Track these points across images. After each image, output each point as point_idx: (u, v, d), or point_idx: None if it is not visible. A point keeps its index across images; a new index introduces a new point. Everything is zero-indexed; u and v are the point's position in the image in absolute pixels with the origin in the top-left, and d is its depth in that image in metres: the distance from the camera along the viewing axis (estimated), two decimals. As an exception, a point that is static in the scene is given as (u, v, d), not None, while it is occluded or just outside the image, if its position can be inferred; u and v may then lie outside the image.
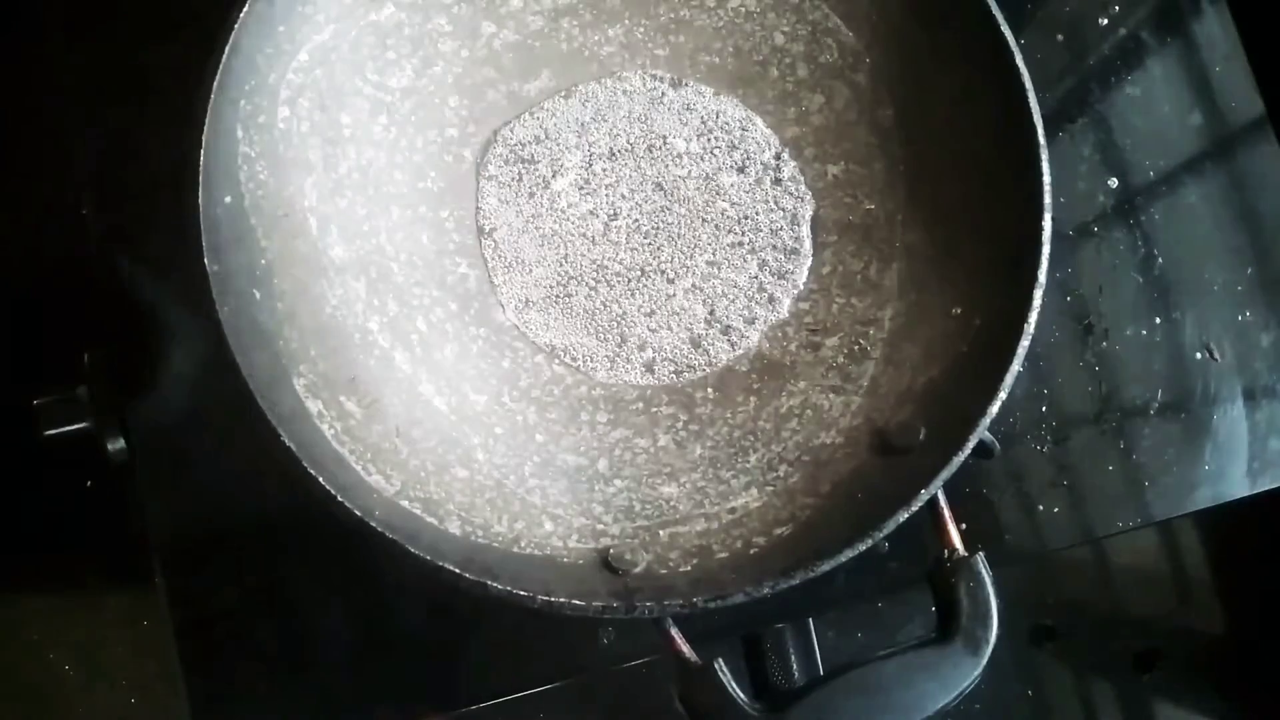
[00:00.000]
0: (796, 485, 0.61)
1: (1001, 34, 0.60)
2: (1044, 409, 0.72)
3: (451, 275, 0.67)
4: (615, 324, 0.66)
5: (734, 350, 0.66)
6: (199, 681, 0.65)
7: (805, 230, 0.68)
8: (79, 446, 0.66)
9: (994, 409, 0.54)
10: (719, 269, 0.67)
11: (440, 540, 0.55)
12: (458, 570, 0.51)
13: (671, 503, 0.62)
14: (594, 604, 0.52)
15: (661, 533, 0.60)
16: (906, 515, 0.53)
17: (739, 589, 0.53)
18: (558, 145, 0.68)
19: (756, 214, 0.68)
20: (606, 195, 0.68)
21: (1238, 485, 0.73)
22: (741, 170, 0.69)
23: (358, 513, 0.51)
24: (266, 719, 0.66)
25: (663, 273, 0.67)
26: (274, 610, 0.67)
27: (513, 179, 0.67)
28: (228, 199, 0.56)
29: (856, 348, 0.66)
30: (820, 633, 0.68)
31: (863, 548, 0.53)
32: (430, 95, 0.67)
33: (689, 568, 0.58)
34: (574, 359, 0.66)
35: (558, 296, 0.66)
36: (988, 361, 0.56)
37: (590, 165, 0.68)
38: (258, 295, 0.56)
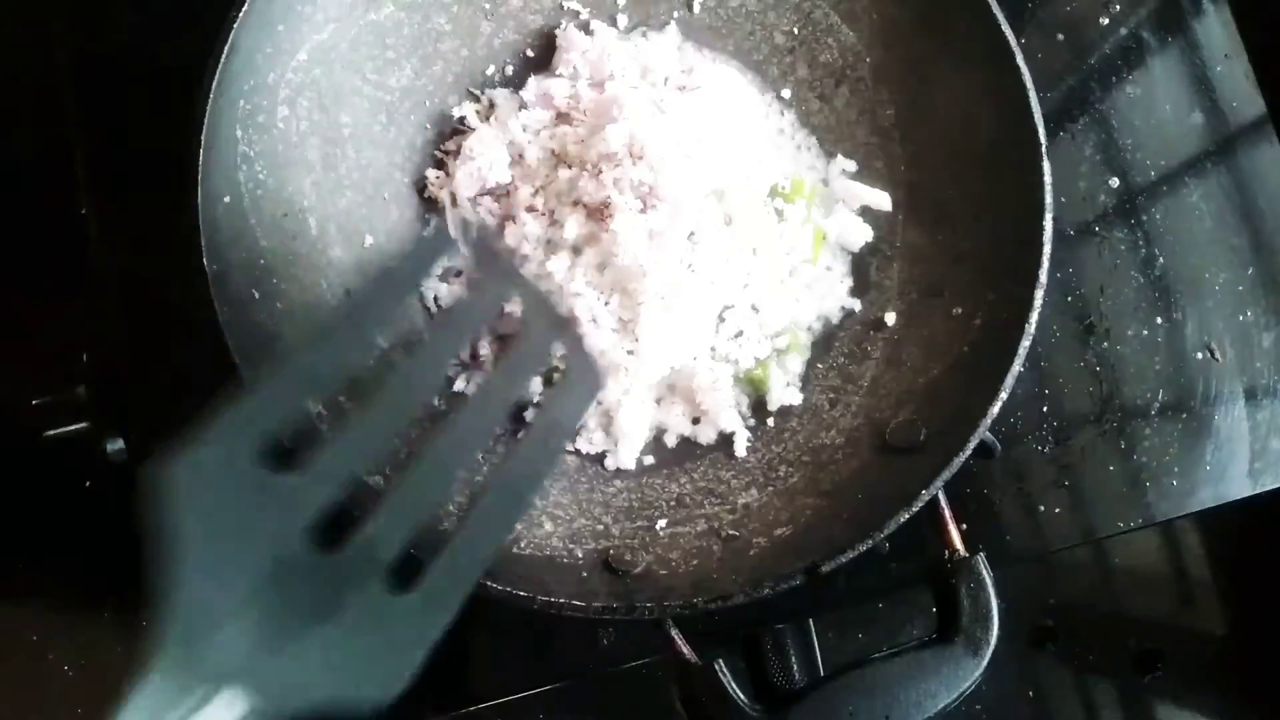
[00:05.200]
0: (797, 485, 0.61)
1: (1002, 34, 0.60)
2: (1045, 409, 0.72)
3: (451, 275, 0.67)
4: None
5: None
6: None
7: (805, 230, 0.68)
8: (79, 446, 0.65)
9: (995, 409, 0.54)
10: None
11: (440, 541, 0.55)
12: (457, 570, 0.51)
13: (672, 503, 0.62)
14: (594, 604, 0.52)
15: (662, 533, 0.60)
16: (907, 516, 0.53)
17: (739, 589, 0.53)
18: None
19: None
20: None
21: (1239, 485, 0.73)
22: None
23: (357, 513, 0.51)
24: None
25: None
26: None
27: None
28: (227, 199, 0.56)
29: (857, 348, 0.66)
30: (820, 633, 0.68)
31: (863, 548, 0.53)
32: (430, 94, 0.67)
33: (689, 568, 0.57)
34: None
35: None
36: (988, 361, 0.56)
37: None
38: (257, 295, 0.56)
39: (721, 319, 0.64)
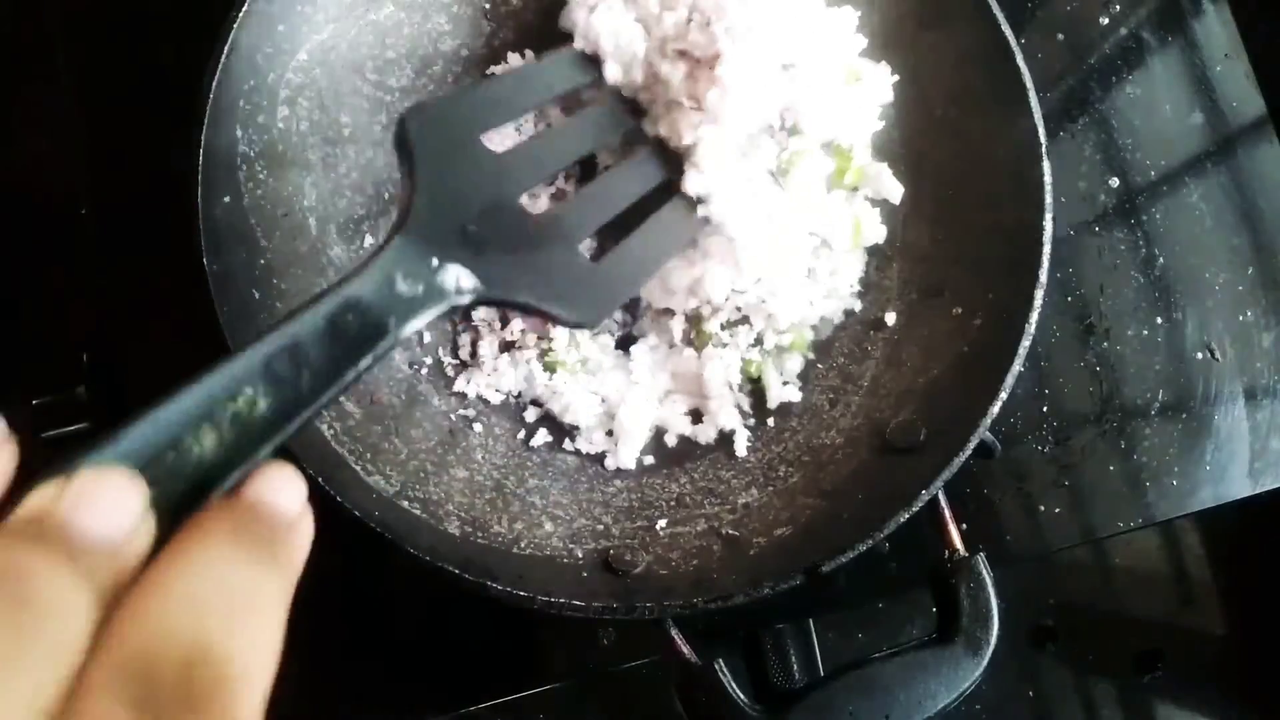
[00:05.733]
0: (797, 485, 0.61)
1: (1002, 34, 0.60)
2: (1045, 409, 0.72)
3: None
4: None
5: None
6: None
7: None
8: (79, 446, 0.65)
9: (995, 409, 0.54)
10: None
11: (440, 541, 0.55)
12: (457, 571, 0.51)
13: (672, 503, 0.62)
14: (594, 604, 0.52)
15: (662, 533, 0.60)
16: (907, 515, 0.53)
17: (739, 589, 0.53)
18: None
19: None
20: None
21: (1239, 485, 0.73)
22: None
23: (357, 513, 0.51)
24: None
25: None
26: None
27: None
28: (227, 199, 0.56)
29: (857, 348, 0.66)
30: (820, 633, 0.68)
31: (863, 548, 0.53)
32: (430, 94, 0.67)
33: (689, 568, 0.57)
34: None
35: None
36: (988, 361, 0.56)
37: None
38: (257, 295, 0.56)
39: (738, 308, 0.64)
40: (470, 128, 0.50)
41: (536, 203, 0.66)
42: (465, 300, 0.43)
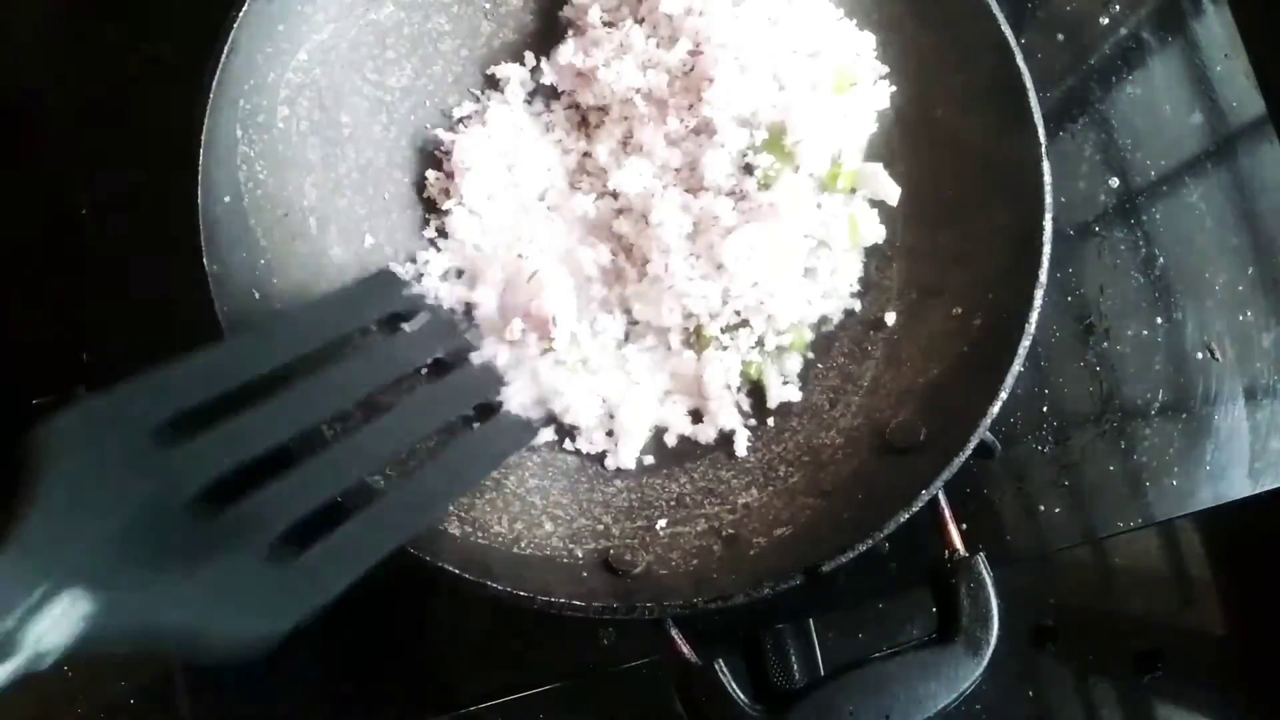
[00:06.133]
0: (797, 485, 0.61)
1: (1002, 34, 0.60)
2: (1045, 409, 0.72)
3: (451, 275, 0.67)
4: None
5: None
6: (199, 681, 0.65)
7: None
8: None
9: (995, 409, 0.54)
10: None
11: (439, 541, 0.55)
12: (457, 571, 0.51)
13: (672, 503, 0.62)
14: (594, 605, 0.52)
15: (662, 533, 0.60)
16: (907, 515, 0.53)
17: (739, 589, 0.53)
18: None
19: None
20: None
21: (1239, 485, 0.73)
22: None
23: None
24: (266, 719, 0.66)
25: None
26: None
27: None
28: (227, 199, 0.56)
29: (857, 348, 0.66)
30: (820, 633, 0.68)
31: (863, 548, 0.53)
32: (430, 94, 0.67)
33: (689, 568, 0.57)
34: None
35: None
36: (988, 361, 0.56)
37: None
38: (258, 295, 0.56)
39: (737, 312, 0.64)
40: (143, 419, 0.43)
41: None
42: (67, 641, 0.36)
